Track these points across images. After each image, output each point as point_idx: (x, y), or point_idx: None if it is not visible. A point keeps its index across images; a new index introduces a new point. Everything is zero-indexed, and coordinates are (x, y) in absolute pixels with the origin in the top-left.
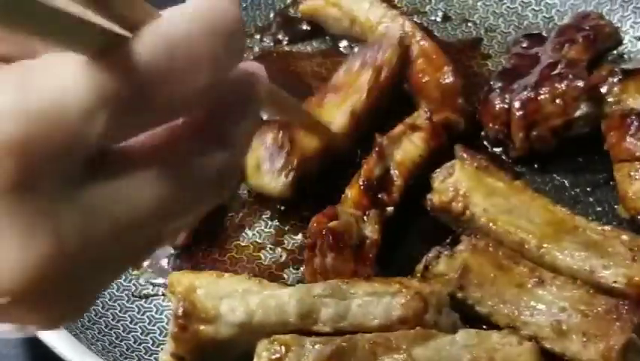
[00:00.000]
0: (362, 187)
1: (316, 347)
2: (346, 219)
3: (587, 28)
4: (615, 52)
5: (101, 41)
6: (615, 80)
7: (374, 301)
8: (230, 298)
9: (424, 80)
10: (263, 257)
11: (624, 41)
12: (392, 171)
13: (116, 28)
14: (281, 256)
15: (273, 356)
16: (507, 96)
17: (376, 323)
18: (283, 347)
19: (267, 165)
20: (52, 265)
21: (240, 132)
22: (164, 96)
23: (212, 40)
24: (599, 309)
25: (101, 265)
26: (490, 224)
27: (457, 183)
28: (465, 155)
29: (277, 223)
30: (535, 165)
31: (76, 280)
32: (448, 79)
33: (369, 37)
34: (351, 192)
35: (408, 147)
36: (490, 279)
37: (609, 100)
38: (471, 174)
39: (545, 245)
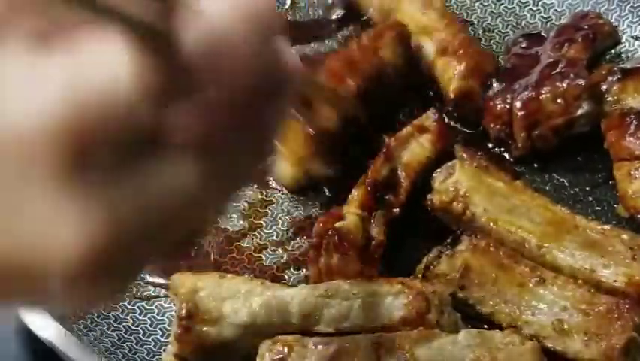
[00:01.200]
0: (368, 188)
1: (319, 347)
2: (352, 219)
3: (586, 27)
4: (613, 51)
5: (150, 24)
6: (614, 79)
7: (376, 301)
8: (233, 299)
9: (460, 51)
10: (264, 258)
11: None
12: (399, 173)
13: (163, 10)
14: (282, 258)
15: (276, 357)
16: (508, 96)
17: (379, 323)
18: (286, 348)
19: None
20: (109, 240)
21: (274, 116)
22: (208, 84)
23: (252, 29)
24: (600, 308)
25: (151, 242)
26: (491, 224)
27: (458, 183)
28: (465, 155)
29: (279, 224)
30: (535, 165)
31: (129, 256)
32: (483, 55)
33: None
34: (357, 193)
35: (415, 148)
36: (492, 279)
37: (608, 99)
38: (471, 174)
39: (546, 245)
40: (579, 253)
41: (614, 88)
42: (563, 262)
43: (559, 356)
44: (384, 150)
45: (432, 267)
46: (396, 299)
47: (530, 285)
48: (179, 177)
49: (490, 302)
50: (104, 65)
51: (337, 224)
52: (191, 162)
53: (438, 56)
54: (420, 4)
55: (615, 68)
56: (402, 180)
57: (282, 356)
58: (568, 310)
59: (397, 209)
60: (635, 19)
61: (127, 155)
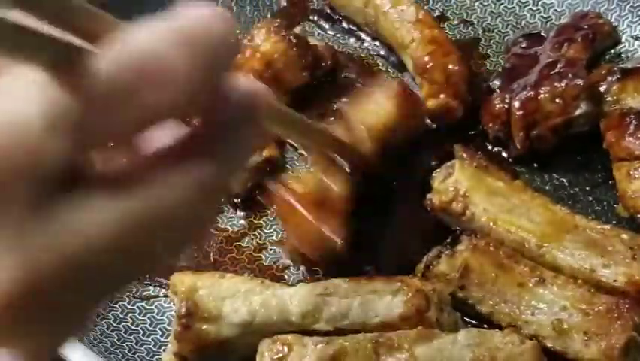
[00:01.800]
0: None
1: (318, 346)
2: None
3: (586, 27)
4: (612, 51)
5: (62, 55)
6: (614, 79)
7: (375, 299)
8: (233, 298)
9: (429, 65)
10: (264, 258)
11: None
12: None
13: (80, 43)
14: (281, 257)
15: (276, 356)
16: (507, 96)
17: (378, 320)
18: (285, 347)
19: None
20: (24, 288)
21: (234, 150)
22: (132, 110)
23: (188, 52)
24: (600, 308)
25: (84, 286)
26: (491, 223)
27: (457, 183)
28: (465, 155)
29: (279, 224)
30: (535, 165)
31: (57, 303)
32: (455, 66)
33: (381, 19)
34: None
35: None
36: (491, 278)
37: (608, 99)
38: (471, 173)
39: (545, 244)
40: (579, 253)
41: (614, 88)
42: (562, 262)
43: (559, 357)
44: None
45: (432, 267)
46: (395, 297)
47: (530, 285)
48: (112, 215)
49: (490, 302)
50: (13, 100)
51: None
52: (128, 199)
53: (416, 75)
54: (395, 17)
55: (615, 68)
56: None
57: (281, 355)
58: (567, 310)
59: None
60: (634, 19)
61: (43, 193)
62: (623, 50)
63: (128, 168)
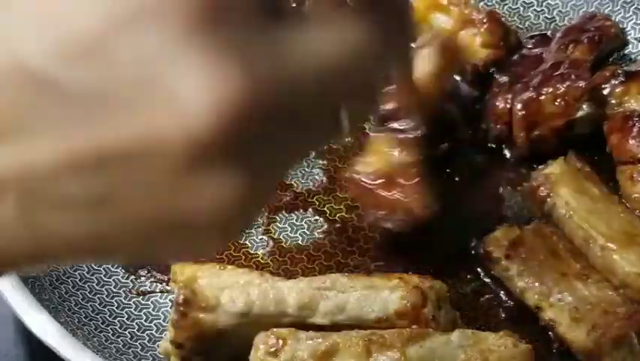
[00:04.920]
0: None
1: (312, 341)
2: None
3: (592, 29)
4: (616, 54)
5: None
6: (617, 81)
7: (372, 294)
8: (231, 288)
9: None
10: (260, 255)
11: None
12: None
13: None
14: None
15: (270, 349)
16: (509, 96)
17: (374, 316)
18: (280, 341)
19: None
20: (245, 103)
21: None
22: None
23: None
24: (621, 310)
25: (293, 121)
26: (567, 216)
27: (551, 173)
28: (575, 158)
29: (277, 222)
30: (535, 166)
31: (270, 133)
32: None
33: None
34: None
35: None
36: (539, 259)
37: (611, 101)
38: (567, 169)
39: (610, 245)
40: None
41: (617, 90)
42: (617, 265)
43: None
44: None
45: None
46: (392, 293)
47: (572, 277)
48: (323, 43)
49: (527, 279)
50: None
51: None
52: (334, 28)
53: (458, 29)
54: None
55: (618, 70)
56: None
57: (275, 348)
58: (591, 305)
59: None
60: (639, 21)
61: (261, 12)
62: (627, 51)
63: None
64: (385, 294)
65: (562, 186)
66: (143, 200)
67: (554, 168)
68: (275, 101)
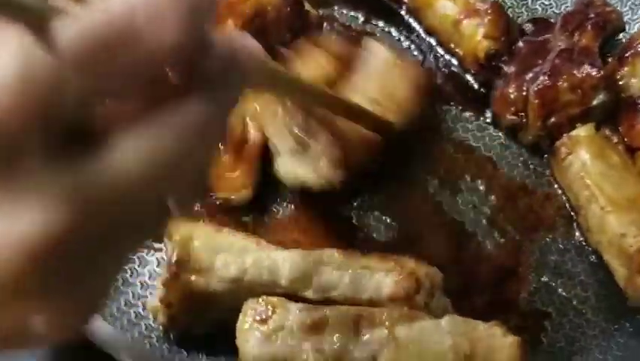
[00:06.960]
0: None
1: (301, 313)
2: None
3: (594, 15)
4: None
5: (50, 13)
6: (627, 68)
7: (367, 275)
8: (226, 253)
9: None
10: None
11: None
12: None
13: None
14: None
15: (258, 317)
16: (520, 84)
17: (366, 296)
18: (270, 309)
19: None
20: (50, 235)
21: (222, 93)
22: (126, 58)
23: (175, 2)
24: None
25: (108, 238)
26: (579, 176)
27: (576, 135)
28: (607, 129)
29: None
30: (545, 156)
31: (84, 256)
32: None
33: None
34: None
35: None
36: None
37: (623, 88)
38: (594, 135)
39: (608, 209)
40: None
41: (625, 75)
42: (609, 227)
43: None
44: None
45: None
46: (386, 276)
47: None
48: (128, 158)
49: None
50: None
51: None
52: (138, 140)
53: (462, 17)
54: None
55: (626, 55)
56: None
57: (264, 315)
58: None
59: None
60: (634, 17)
61: (58, 143)
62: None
63: (125, 117)
64: (380, 276)
65: (582, 147)
66: None
67: (580, 130)
68: (82, 224)
